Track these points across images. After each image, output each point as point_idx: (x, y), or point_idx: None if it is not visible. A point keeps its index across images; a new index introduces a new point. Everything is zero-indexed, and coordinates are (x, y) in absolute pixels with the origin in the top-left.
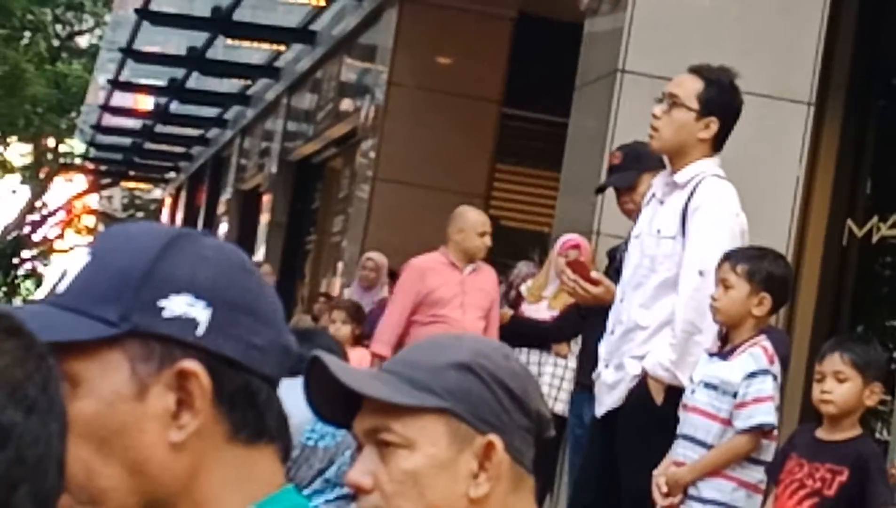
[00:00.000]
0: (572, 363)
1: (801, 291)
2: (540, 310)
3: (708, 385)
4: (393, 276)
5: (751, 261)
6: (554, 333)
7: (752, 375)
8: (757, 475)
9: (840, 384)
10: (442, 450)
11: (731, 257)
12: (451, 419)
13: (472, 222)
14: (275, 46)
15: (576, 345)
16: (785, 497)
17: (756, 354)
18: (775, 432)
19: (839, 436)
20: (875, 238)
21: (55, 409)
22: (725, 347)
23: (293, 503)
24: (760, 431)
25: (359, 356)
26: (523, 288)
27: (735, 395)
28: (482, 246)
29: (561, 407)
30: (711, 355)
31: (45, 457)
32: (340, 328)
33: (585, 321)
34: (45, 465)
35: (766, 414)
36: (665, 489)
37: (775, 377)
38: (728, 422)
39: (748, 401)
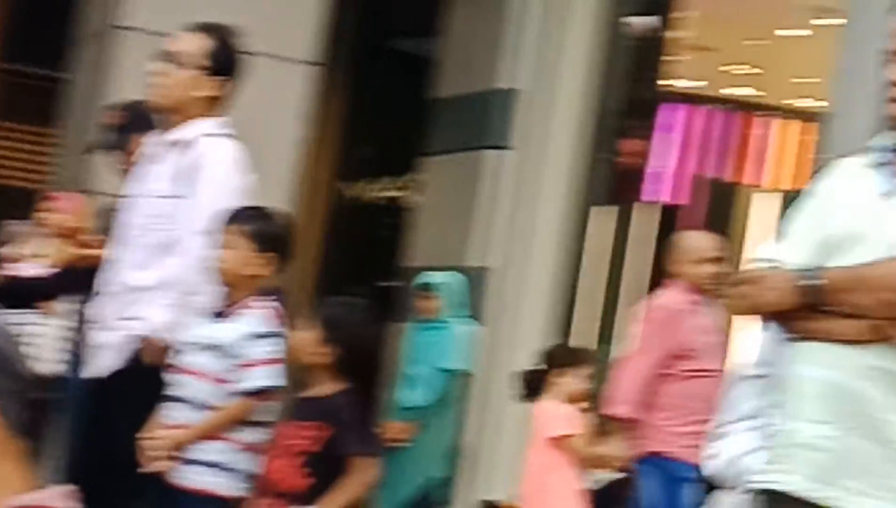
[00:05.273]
0: (62, 321)
1: (300, 251)
2: (29, 269)
3: (208, 347)
4: None
5: (253, 221)
6: (43, 291)
7: (257, 336)
8: (257, 436)
9: None
10: None
11: (233, 218)
12: None
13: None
14: None
15: (68, 304)
16: (275, 458)
17: (261, 315)
18: (278, 394)
19: (320, 393)
20: (373, 200)
21: None
22: (227, 307)
23: None
24: (263, 393)
25: None
26: (8, 248)
27: (237, 356)
28: None
29: (50, 367)
30: (213, 315)
31: None
32: None
33: (80, 282)
34: None
35: (270, 377)
36: (162, 451)
37: (282, 339)
38: (227, 383)
39: (253, 363)
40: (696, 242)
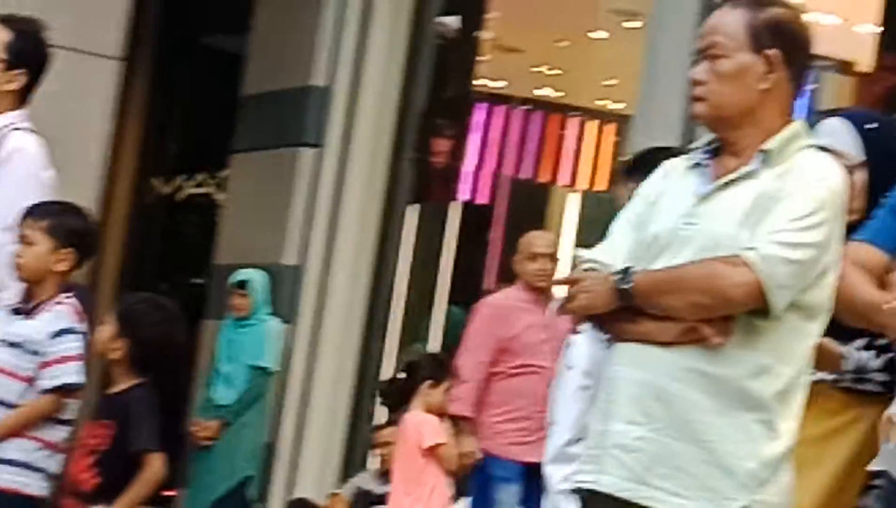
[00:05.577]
0: None
1: (107, 248)
2: None
3: (9, 344)
4: None
5: (53, 216)
6: None
7: (59, 333)
8: (60, 434)
9: None
10: None
11: (33, 213)
12: None
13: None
14: None
15: None
16: (74, 461)
17: (62, 312)
18: (81, 391)
19: (115, 389)
20: (180, 197)
21: None
22: (28, 304)
23: None
24: (67, 390)
25: None
26: None
27: (39, 353)
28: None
29: None
30: (15, 312)
31: None
32: None
33: None
34: None
35: (72, 374)
36: None
37: (83, 336)
38: (30, 381)
39: (54, 360)
40: (529, 239)
